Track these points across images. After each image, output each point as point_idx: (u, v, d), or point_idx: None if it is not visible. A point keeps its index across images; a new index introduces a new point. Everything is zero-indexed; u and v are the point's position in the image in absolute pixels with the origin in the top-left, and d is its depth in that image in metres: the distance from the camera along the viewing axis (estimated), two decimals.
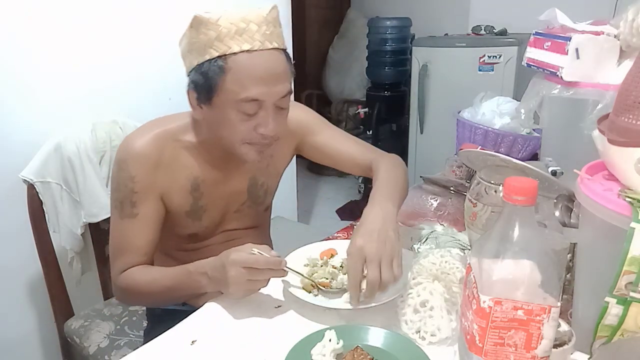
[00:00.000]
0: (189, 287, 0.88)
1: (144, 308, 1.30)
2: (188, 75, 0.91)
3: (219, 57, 0.83)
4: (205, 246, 1.06)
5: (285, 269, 0.81)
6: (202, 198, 1.00)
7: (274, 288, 0.88)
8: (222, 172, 1.01)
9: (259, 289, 0.83)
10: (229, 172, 1.02)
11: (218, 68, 0.83)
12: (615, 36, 1.04)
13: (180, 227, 1.02)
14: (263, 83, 0.84)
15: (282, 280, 0.87)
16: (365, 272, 0.78)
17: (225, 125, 0.88)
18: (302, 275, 0.88)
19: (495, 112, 1.48)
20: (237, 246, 0.82)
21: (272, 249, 0.82)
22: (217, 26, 0.82)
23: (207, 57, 0.84)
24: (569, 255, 0.80)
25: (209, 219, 1.04)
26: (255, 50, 0.83)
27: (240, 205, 1.08)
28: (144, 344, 0.82)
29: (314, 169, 4.00)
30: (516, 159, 0.91)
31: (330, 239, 1.10)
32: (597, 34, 1.04)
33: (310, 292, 0.87)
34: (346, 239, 1.07)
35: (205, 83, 0.85)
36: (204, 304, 0.88)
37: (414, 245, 1.08)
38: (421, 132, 3.05)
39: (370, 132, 3.32)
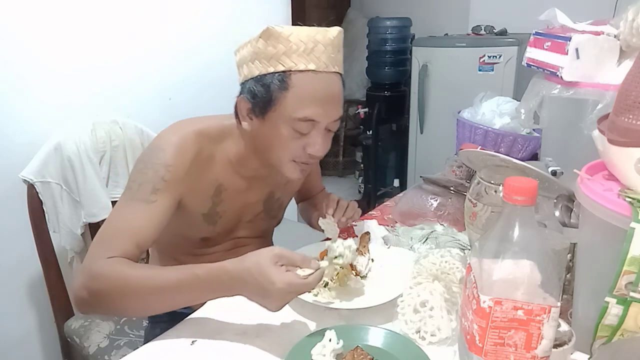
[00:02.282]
0: (191, 293, 0.77)
1: None
2: (242, 84, 0.90)
3: (283, 71, 0.84)
4: (215, 252, 1.06)
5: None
6: (221, 204, 1.00)
7: None
8: (245, 183, 1.01)
9: None
10: (251, 183, 1.02)
11: (280, 82, 0.84)
12: (615, 36, 1.04)
13: (194, 229, 1.01)
14: (321, 104, 0.86)
15: None
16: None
17: (275, 140, 0.89)
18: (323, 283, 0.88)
19: (495, 112, 1.48)
20: (245, 254, 0.75)
21: None
22: (288, 42, 0.83)
23: (272, 70, 0.84)
24: (569, 255, 0.80)
25: (223, 225, 1.03)
26: (320, 72, 0.85)
27: (255, 216, 1.09)
28: (144, 344, 0.82)
29: None
30: (516, 159, 0.91)
31: (330, 239, 1.10)
32: (597, 34, 1.04)
33: (310, 291, 0.87)
34: (346, 239, 1.07)
35: (265, 95, 0.85)
36: (204, 304, 0.88)
37: (414, 245, 1.08)
38: (421, 132, 3.05)
39: (370, 132, 3.32)
